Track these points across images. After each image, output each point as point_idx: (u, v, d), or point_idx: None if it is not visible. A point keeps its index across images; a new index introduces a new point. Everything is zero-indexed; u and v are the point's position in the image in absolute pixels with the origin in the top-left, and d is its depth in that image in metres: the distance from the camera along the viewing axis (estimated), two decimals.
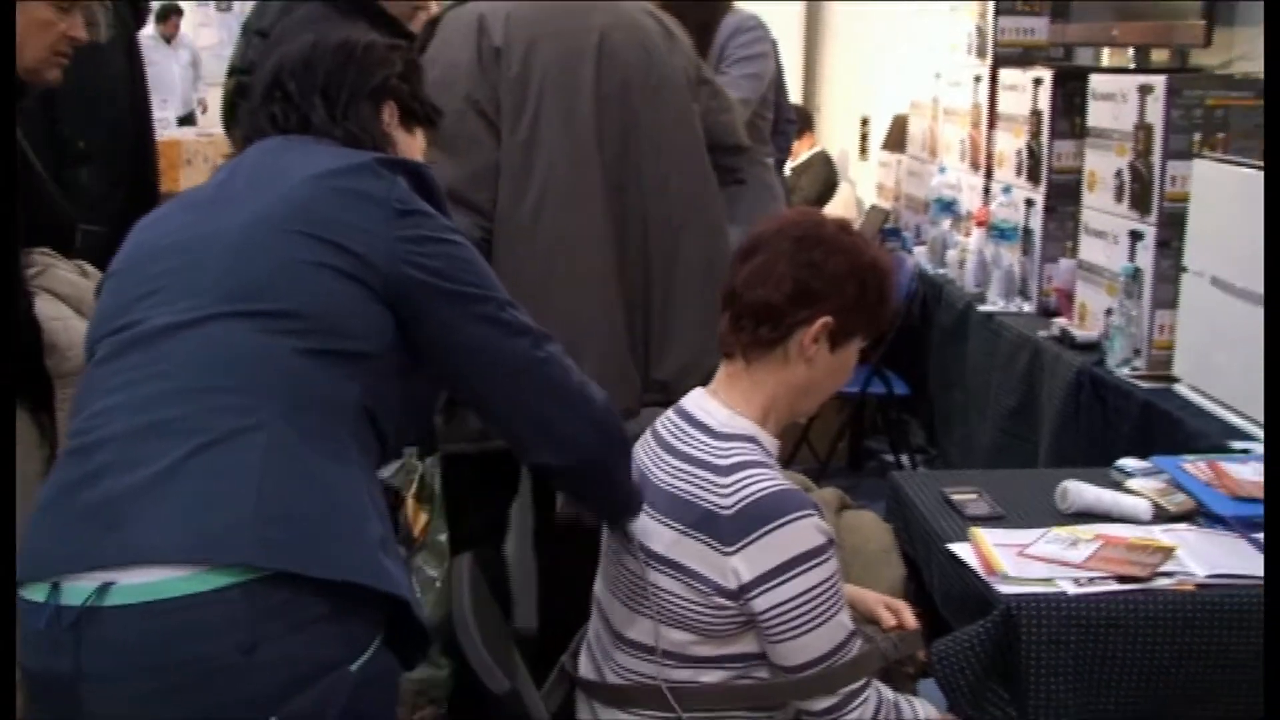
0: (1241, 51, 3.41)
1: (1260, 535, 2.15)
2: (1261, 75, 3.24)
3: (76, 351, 2.02)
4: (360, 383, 1.61)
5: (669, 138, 2.58)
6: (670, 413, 1.94)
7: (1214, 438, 2.70)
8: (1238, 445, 2.62)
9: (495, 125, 2.47)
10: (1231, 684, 1.98)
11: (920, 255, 4.99)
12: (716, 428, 1.85)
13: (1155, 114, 3.17)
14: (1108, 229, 3.42)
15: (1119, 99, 3.35)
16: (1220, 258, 2.89)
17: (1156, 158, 3.17)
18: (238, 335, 1.56)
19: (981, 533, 2.16)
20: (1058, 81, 3.95)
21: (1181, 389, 3.03)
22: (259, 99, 1.80)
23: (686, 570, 1.78)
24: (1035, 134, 4.06)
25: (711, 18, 3.86)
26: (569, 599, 2.75)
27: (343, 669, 1.50)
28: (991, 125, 4.51)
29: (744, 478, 1.77)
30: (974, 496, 2.34)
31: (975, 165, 4.67)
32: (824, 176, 6.74)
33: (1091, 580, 2.00)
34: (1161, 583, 2.00)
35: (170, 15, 9.58)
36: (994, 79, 4.50)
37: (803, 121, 6.44)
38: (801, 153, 6.63)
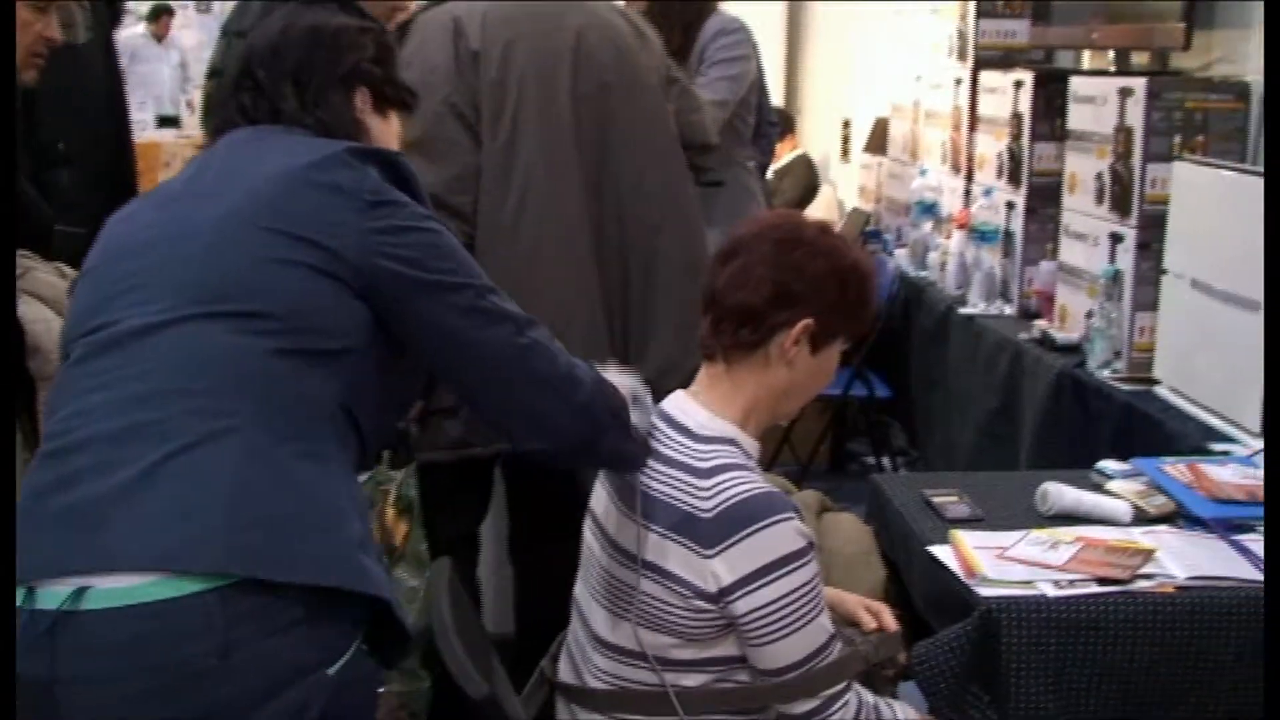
0: (1221, 54, 3.42)
1: (1240, 537, 2.15)
2: (1241, 78, 3.26)
3: (59, 354, 2.01)
4: (337, 381, 1.59)
5: (645, 137, 2.59)
6: (651, 416, 1.93)
7: (1194, 440, 2.70)
8: (1218, 447, 2.62)
9: (474, 128, 2.47)
10: (1211, 686, 1.98)
11: (901, 257, 5.00)
12: (697, 430, 1.84)
13: (1135, 116, 3.18)
14: (1088, 231, 3.42)
15: (1099, 101, 3.35)
16: (1200, 260, 2.90)
17: (1137, 160, 3.17)
18: (211, 337, 1.54)
19: (962, 535, 2.16)
20: (1038, 84, 3.96)
21: (1162, 391, 3.04)
22: (229, 89, 1.77)
23: (666, 573, 1.77)
24: (1016, 136, 4.06)
25: (697, 18, 3.87)
26: (546, 603, 2.74)
27: (321, 672, 1.49)
28: (972, 128, 4.51)
29: (724, 480, 1.76)
30: (954, 499, 2.34)
31: (956, 168, 4.67)
32: (805, 179, 6.75)
33: (1071, 582, 2.00)
34: (1141, 585, 2.00)
35: (162, 15, 9.53)
36: (975, 81, 4.51)
37: (784, 124, 6.44)
38: (783, 155, 6.63)
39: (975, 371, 3.93)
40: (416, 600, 2.57)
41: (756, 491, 1.75)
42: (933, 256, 4.67)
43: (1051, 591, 1.98)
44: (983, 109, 4.43)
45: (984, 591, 1.99)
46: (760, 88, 4.28)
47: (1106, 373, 3.20)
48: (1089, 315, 3.33)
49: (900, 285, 4.77)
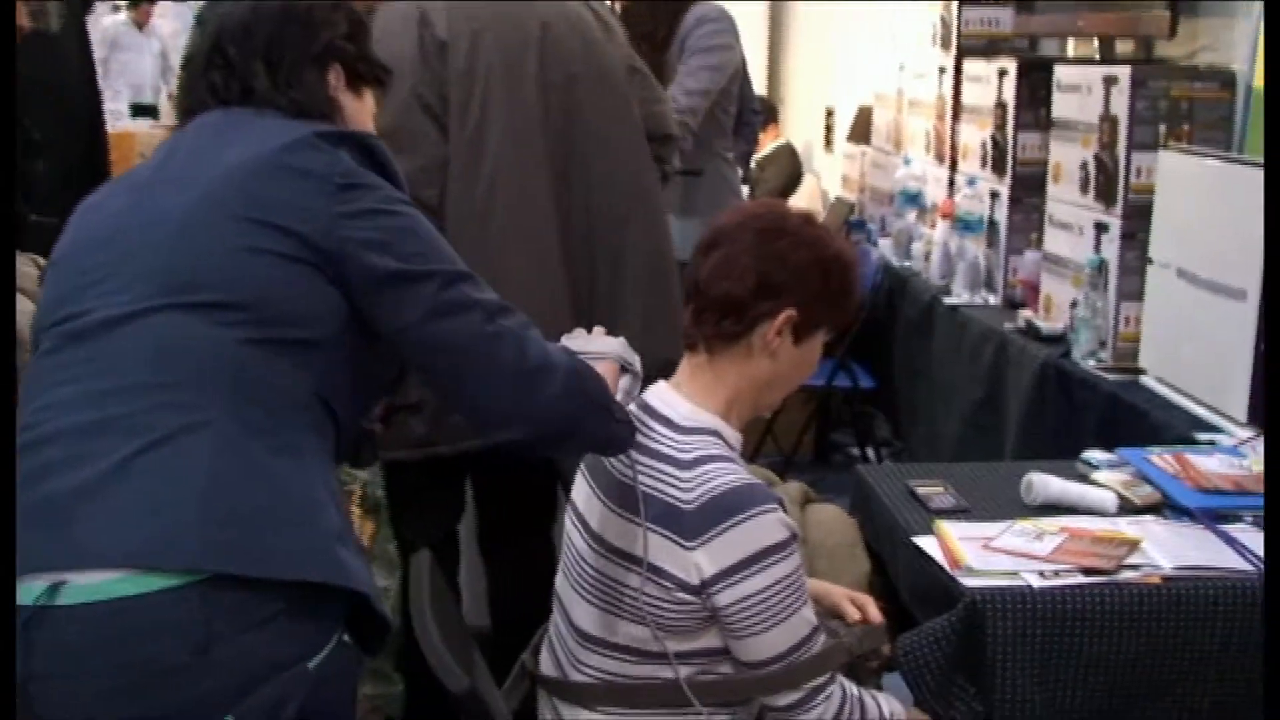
0: (1206, 42, 3.41)
1: (1227, 527, 2.15)
2: (1226, 66, 3.25)
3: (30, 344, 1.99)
4: (311, 370, 1.57)
5: (611, 128, 2.58)
6: (632, 406, 1.92)
7: (1180, 430, 2.70)
8: (1204, 437, 2.62)
9: (441, 120, 2.45)
10: (1198, 676, 1.98)
11: (885, 247, 4.99)
12: (679, 421, 1.83)
13: (1120, 105, 3.17)
14: (1073, 221, 3.42)
15: (1084, 90, 3.35)
16: (1186, 249, 2.89)
17: (1121, 149, 3.17)
18: (181, 328, 1.53)
19: (946, 526, 2.16)
20: (1022, 73, 3.95)
21: (1147, 381, 3.04)
22: (199, 68, 1.74)
23: (648, 565, 1.76)
24: (1000, 125, 4.06)
25: (681, 7, 3.85)
26: (521, 597, 2.72)
27: (300, 666, 1.48)
28: (956, 117, 4.50)
29: (706, 472, 1.75)
30: (939, 489, 2.34)
31: (940, 157, 4.67)
32: (789, 168, 6.74)
33: (1057, 573, 2.00)
34: (1127, 575, 2.00)
35: (141, 2, 9.42)
36: (958, 70, 4.50)
37: (767, 113, 6.43)
38: (766, 145, 6.63)
39: (960, 362, 3.92)
40: (388, 600, 2.55)
41: (739, 483, 1.74)
42: (917, 246, 4.67)
43: (1037, 582, 1.97)
44: (967, 98, 4.42)
45: (969, 583, 1.98)
46: (743, 77, 4.26)
47: (1091, 363, 3.20)
48: (1074, 305, 3.32)
49: (884, 275, 4.76)
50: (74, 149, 2.87)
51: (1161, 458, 2.40)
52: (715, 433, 1.83)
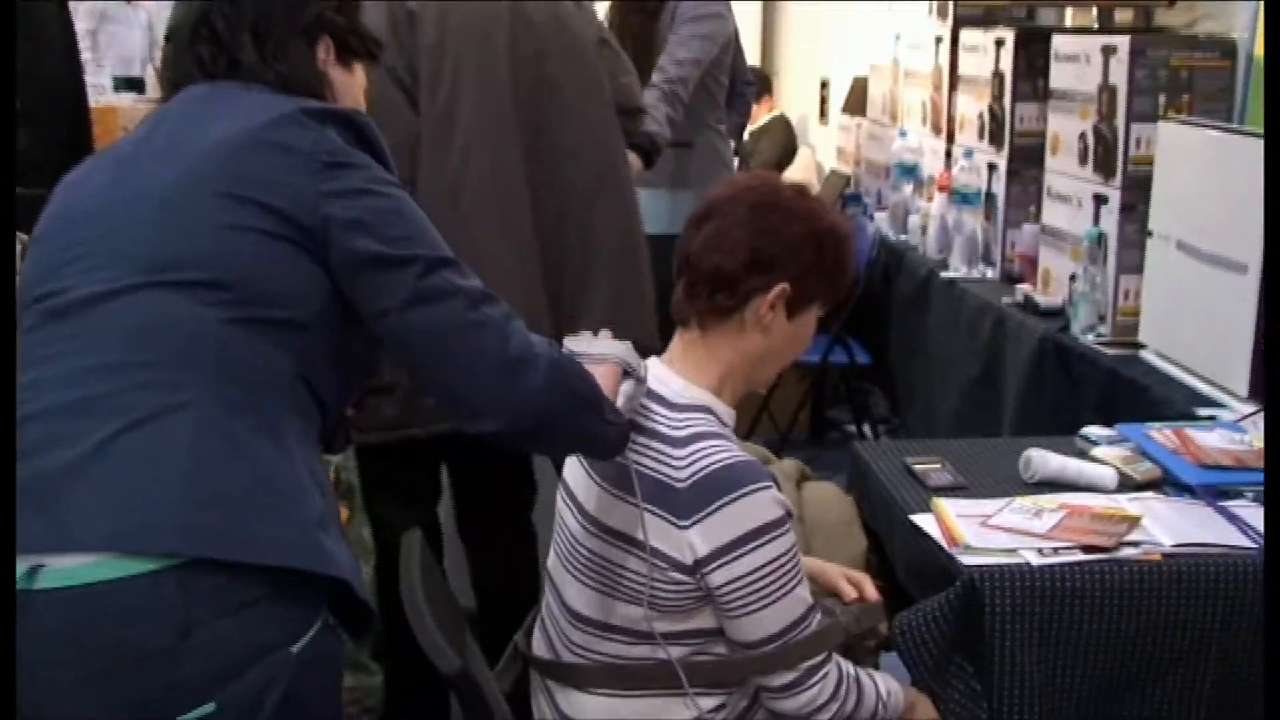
0: (1206, 11, 3.39)
1: (1228, 503, 2.14)
2: (1227, 35, 3.22)
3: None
4: (294, 350, 1.55)
5: (582, 103, 2.56)
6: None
7: (1180, 405, 2.69)
8: (1204, 412, 2.61)
9: (411, 94, 2.42)
10: (1199, 655, 1.97)
11: (881, 221, 4.98)
12: (671, 398, 1.82)
13: (1119, 75, 3.15)
14: (1071, 193, 3.40)
15: (1082, 60, 3.33)
16: (1186, 222, 2.87)
17: (1121, 120, 3.15)
18: (163, 306, 1.50)
19: (944, 503, 2.14)
20: (1020, 43, 3.92)
21: (1147, 355, 3.03)
22: (185, 40, 1.70)
23: (641, 545, 1.74)
24: (997, 96, 4.03)
25: None
26: (503, 580, 2.69)
27: (284, 651, 1.46)
28: (953, 88, 4.48)
29: (699, 449, 1.74)
30: (937, 466, 2.33)
31: (937, 129, 4.64)
32: (783, 141, 6.71)
33: (1056, 550, 1.98)
34: (1127, 552, 1.98)
35: None
36: (955, 40, 4.46)
37: (761, 85, 6.40)
38: (760, 117, 6.61)
39: (957, 337, 3.91)
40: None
41: (732, 460, 1.72)
42: (913, 220, 4.65)
43: (1035, 560, 1.96)
44: (963, 68, 4.39)
45: (967, 560, 1.97)
46: (735, 47, 4.22)
47: (1091, 337, 3.19)
48: (1073, 279, 3.31)
49: (880, 249, 4.74)
50: (57, 121, 2.84)
51: (1162, 433, 2.39)
52: (708, 409, 1.81)
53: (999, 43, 4.02)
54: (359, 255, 1.55)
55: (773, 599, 1.72)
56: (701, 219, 1.84)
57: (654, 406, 1.81)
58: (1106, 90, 3.20)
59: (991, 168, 4.07)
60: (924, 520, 2.12)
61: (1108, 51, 3.19)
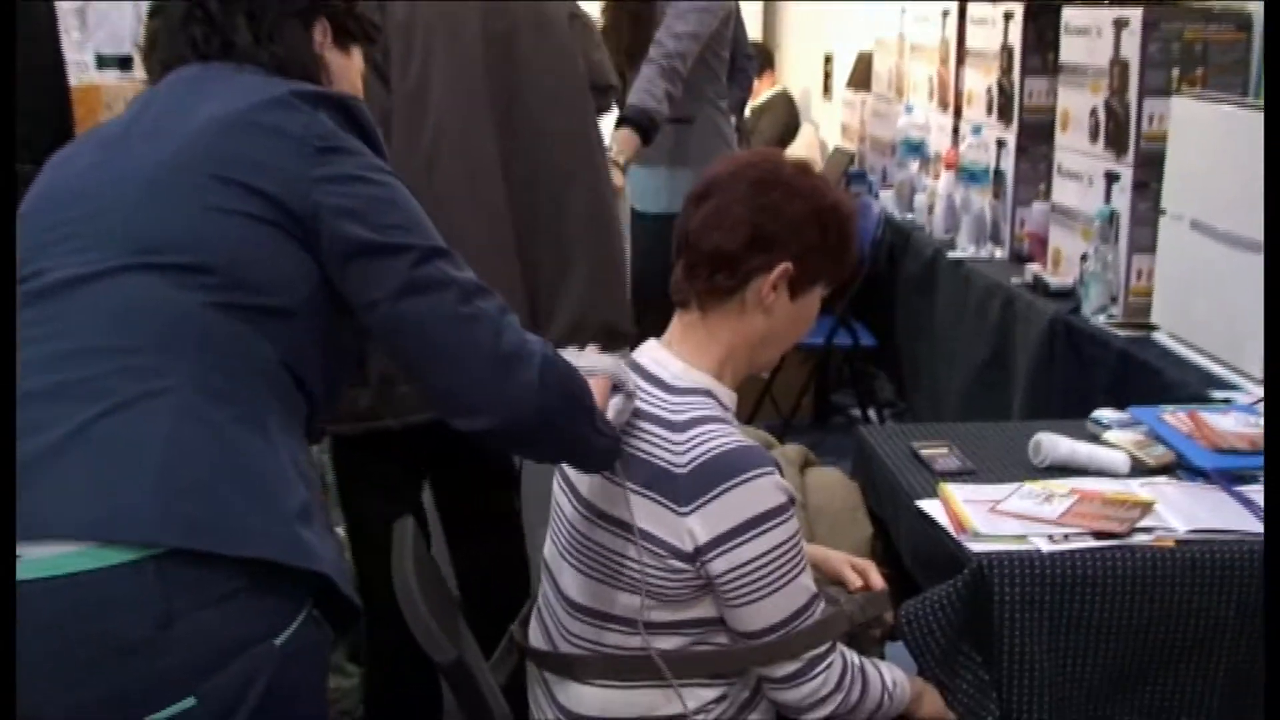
0: None
1: (1243, 488, 2.12)
2: (1242, 7, 3.20)
3: None
4: (280, 340, 1.53)
5: (555, 80, 2.56)
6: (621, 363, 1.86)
7: (1194, 387, 2.69)
8: (1219, 395, 2.60)
9: (383, 72, 2.42)
10: (1213, 643, 1.95)
11: (887, 200, 4.98)
12: (671, 382, 1.79)
13: (1131, 49, 3.13)
14: (1082, 170, 3.39)
15: (1093, 33, 3.31)
16: (1200, 200, 2.86)
17: (1133, 95, 3.14)
18: (147, 290, 1.48)
19: (951, 489, 2.13)
20: (1029, 15, 3.90)
21: (1160, 337, 3.02)
22: (178, 20, 1.69)
23: (640, 532, 1.72)
24: (1006, 71, 4.01)
25: None
26: (488, 572, 2.66)
27: (266, 643, 1.44)
28: (960, 62, 4.46)
29: (699, 434, 1.71)
30: (944, 451, 2.32)
31: (944, 104, 4.63)
32: (785, 117, 6.70)
33: (1066, 537, 1.97)
34: (1140, 539, 1.97)
35: None
36: (963, 13, 4.45)
37: (763, 60, 6.38)
38: (762, 92, 6.59)
39: (965, 318, 3.91)
40: None
41: (733, 445, 1.70)
42: (920, 198, 4.65)
43: (1046, 546, 1.95)
44: (971, 42, 4.37)
45: (975, 547, 1.96)
46: (736, 20, 4.18)
47: (1102, 318, 3.18)
48: (1084, 258, 3.30)
49: (885, 229, 4.73)
50: (43, 99, 2.81)
51: (1175, 416, 2.38)
52: (708, 393, 1.79)
53: (1008, 15, 4.00)
54: (350, 243, 1.53)
55: (775, 587, 1.70)
56: (701, 197, 1.81)
57: (652, 390, 1.79)
58: (1118, 64, 3.18)
59: (1000, 144, 4.05)
60: (931, 506, 2.11)
61: (1120, 24, 3.17)
